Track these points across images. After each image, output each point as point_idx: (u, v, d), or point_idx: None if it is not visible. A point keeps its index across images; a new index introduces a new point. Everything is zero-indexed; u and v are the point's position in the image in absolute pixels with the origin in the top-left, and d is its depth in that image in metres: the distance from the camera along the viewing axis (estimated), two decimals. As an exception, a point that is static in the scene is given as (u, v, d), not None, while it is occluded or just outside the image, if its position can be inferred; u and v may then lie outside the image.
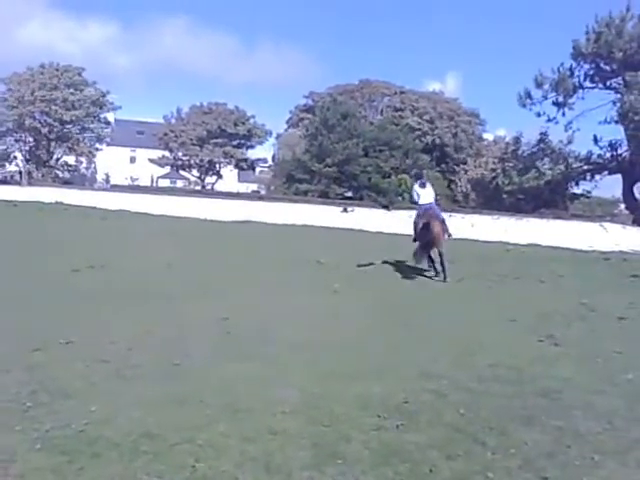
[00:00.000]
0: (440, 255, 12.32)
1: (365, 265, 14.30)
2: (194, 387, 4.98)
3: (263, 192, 63.90)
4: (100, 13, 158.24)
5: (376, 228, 30.02)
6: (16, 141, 59.66)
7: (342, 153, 53.86)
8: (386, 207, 41.24)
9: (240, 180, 76.58)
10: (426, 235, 12.21)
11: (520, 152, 39.72)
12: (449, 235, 12.75)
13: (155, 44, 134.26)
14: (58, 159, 61.34)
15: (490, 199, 43.21)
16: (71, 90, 57.19)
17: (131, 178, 70.05)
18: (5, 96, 57.46)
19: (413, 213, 13.94)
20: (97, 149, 62.55)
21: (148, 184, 66.58)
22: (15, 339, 6.15)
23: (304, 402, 4.76)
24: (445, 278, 12.09)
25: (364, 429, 4.31)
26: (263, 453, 3.77)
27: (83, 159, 62.85)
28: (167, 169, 69.12)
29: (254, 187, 73.79)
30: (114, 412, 4.34)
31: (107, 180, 65.81)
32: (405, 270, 13.41)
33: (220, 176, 66.67)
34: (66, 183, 55.08)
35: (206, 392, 4.85)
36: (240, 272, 12.72)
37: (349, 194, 54.74)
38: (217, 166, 65.61)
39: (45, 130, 57.50)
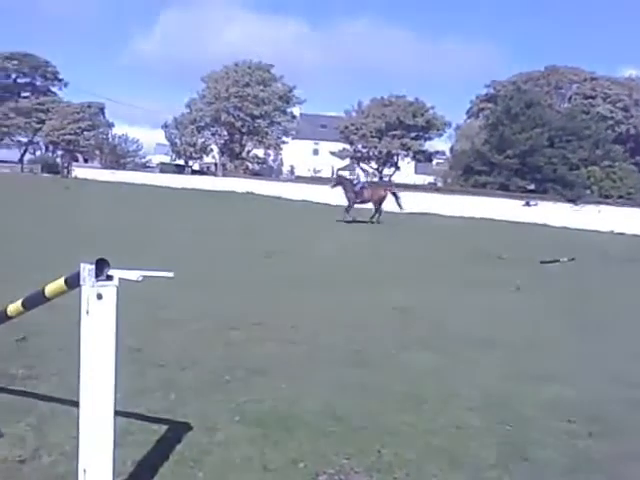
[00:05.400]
0: None
1: (549, 262, 13.58)
2: (376, 374, 5.10)
3: (440, 184, 63.04)
4: (290, 14, 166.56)
5: (561, 223, 28.34)
6: (212, 135, 64.85)
7: (525, 143, 51.34)
8: (573, 201, 38.70)
9: (417, 172, 76.16)
10: None
11: None
12: None
13: (339, 41, 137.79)
14: (249, 151, 65.66)
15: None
16: (261, 87, 60.77)
17: (314, 170, 72.85)
18: (204, 93, 62.64)
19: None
20: (283, 142, 65.99)
21: (329, 176, 68.80)
22: (214, 318, 6.72)
23: (489, 400, 4.66)
24: None
25: (553, 433, 4.13)
26: (448, 447, 3.76)
27: (271, 152, 66.66)
28: (347, 161, 70.85)
29: (431, 179, 73.00)
30: (303, 392, 4.58)
31: (292, 172, 69.05)
32: (595, 270, 12.52)
33: (397, 168, 66.93)
34: (256, 174, 58.81)
35: (388, 380, 4.94)
36: (417, 265, 12.71)
37: (532, 187, 52.03)
38: (395, 158, 65.91)
39: (238, 124, 61.77)
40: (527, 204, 35.30)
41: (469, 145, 58.46)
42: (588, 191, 48.92)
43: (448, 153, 70.56)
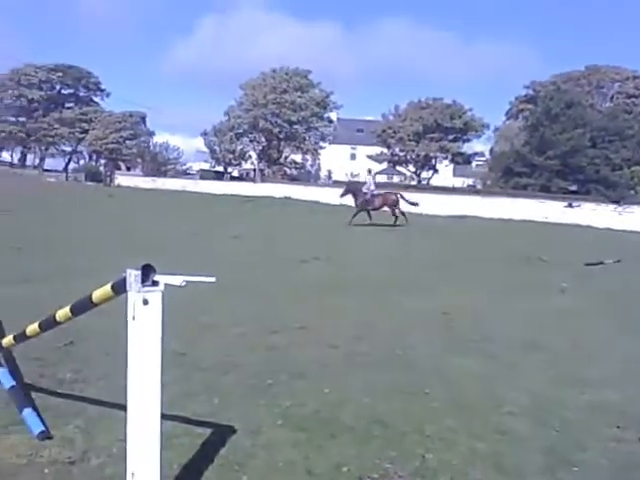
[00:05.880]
0: None
1: (594, 264, 13.28)
2: (419, 378, 5.05)
3: (479, 186, 62.37)
4: (327, 19, 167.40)
5: (605, 225, 27.69)
6: (250, 141, 65.51)
7: (566, 144, 50.40)
8: (617, 202, 37.78)
9: (456, 174, 75.51)
10: None
11: None
12: None
13: (376, 44, 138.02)
14: (287, 157, 66.09)
15: None
16: (298, 93, 61.13)
17: (351, 174, 72.84)
18: (242, 100, 63.35)
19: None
20: (321, 147, 66.23)
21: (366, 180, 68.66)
22: (255, 322, 6.77)
23: (533, 404, 4.58)
24: None
25: (601, 438, 4.03)
26: (492, 452, 3.70)
27: (309, 157, 66.97)
28: (384, 165, 70.70)
29: (470, 181, 72.27)
30: (346, 396, 4.57)
31: (329, 176, 69.23)
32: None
33: (436, 170, 66.48)
34: (293, 180, 59.13)
35: (431, 384, 4.90)
36: (457, 267, 12.58)
37: (573, 188, 51.03)
38: (433, 161, 65.51)
39: (276, 130, 62.26)
40: (570, 205, 34.54)
41: (509, 147, 57.69)
42: (632, 191, 47.71)
43: (487, 155, 69.73)
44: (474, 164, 73.40)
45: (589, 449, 3.86)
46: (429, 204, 33.29)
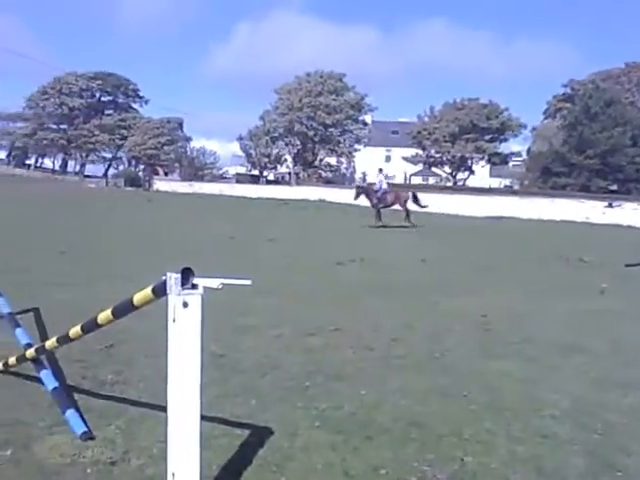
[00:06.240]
0: None
1: (635, 265, 12.95)
2: (456, 381, 5.01)
3: (516, 187, 61.49)
4: (361, 21, 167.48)
5: (648, 225, 27.04)
6: (286, 145, 65.85)
7: (606, 143, 49.34)
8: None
9: (492, 175, 74.57)
10: None
11: None
12: None
13: (412, 46, 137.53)
14: (321, 160, 66.21)
15: None
16: (333, 96, 61.20)
17: (386, 176, 72.55)
18: (277, 105, 63.74)
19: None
20: (355, 150, 66.16)
21: (401, 182, 68.39)
22: (292, 324, 6.80)
23: (575, 407, 4.49)
24: None
25: (645, 442, 3.93)
26: (533, 455, 3.65)
27: (343, 159, 66.94)
28: (419, 166, 70.26)
29: (507, 182, 71.26)
30: (382, 398, 4.56)
31: (364, 179, 69.03)
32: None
33: (472, 171, 65.77)
34: (328, 182, 59.19)
35: (469, 387, 4.85)
36: (495, 269, 12.43)
37: (614, 187, 49.86)
38: (469, 162, 64.83)
39: (311, 134, 62.43)
40: (610, 205, 33.80)
41: (547, 146, 56.71)
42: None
43: (524, 155, 68.69)
44: (511, 164, 72.35)
45: (633, 454, 3.77)
46: (465, 205, 32.98)
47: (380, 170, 26.27)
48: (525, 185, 58.47)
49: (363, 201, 24.92)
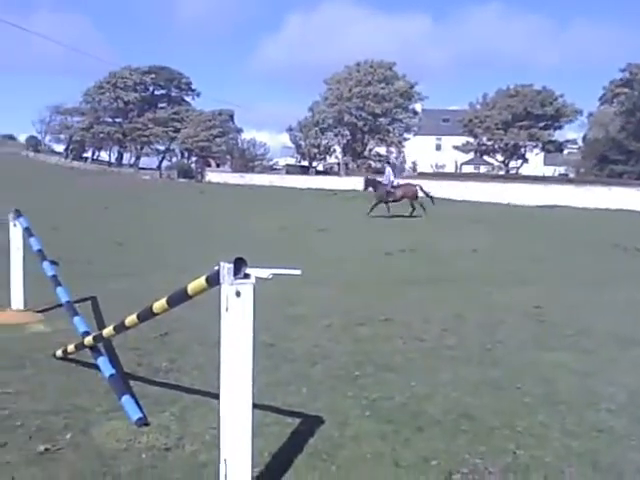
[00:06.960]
0: None
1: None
2: (509, 373, 4.93)
3: (572, 175, 59.78)
4: (412, 9, 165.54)
5: None
6: (335, 135, 65.63)
7: (668, 129, 47.27)
8: None
9: (546, 163, 72.69)
10: None
11: None
12: None
13: (464, 33, 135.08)
14: (371, 150, 65.79)
15: None
16: (382, 85, 60.61)
17: (436, 165, 71.71)
18: (326, 95, 63.58)
19: None
20: (405, 139, 65.47)
21: (452, 171, 67.44)
22: (342, 314, 6.83)
23: (632, 401, 4.36)
24: None
25: None
26: (588, 450, 3.56)
27: (393, 149, 66.31)
28: (471, 155, 69.08)
29: (561, 170, 69.32)
30: (433, 389, 4.53)
31: (414, 168, 68.40)
32: None
33: (525, 160, 64.20)
34: (378, 172, 58.81)
35: (522, 379, 4.76)
36: (549, 259, 12.16)
37: (675, 175, 47.85)
38: (522, 149, 63.30)
39: (360, 124, 62.04)
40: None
41: (603, 133, 54.88)
42: None
43: (580, 142, 66.56)
44: (566, 152, 70.24)
45: (694, 449, 3.64)
46: (518, 194, 32.26)
47: (388, 162, 26.09)
48: (581, 173, 56.77)
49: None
